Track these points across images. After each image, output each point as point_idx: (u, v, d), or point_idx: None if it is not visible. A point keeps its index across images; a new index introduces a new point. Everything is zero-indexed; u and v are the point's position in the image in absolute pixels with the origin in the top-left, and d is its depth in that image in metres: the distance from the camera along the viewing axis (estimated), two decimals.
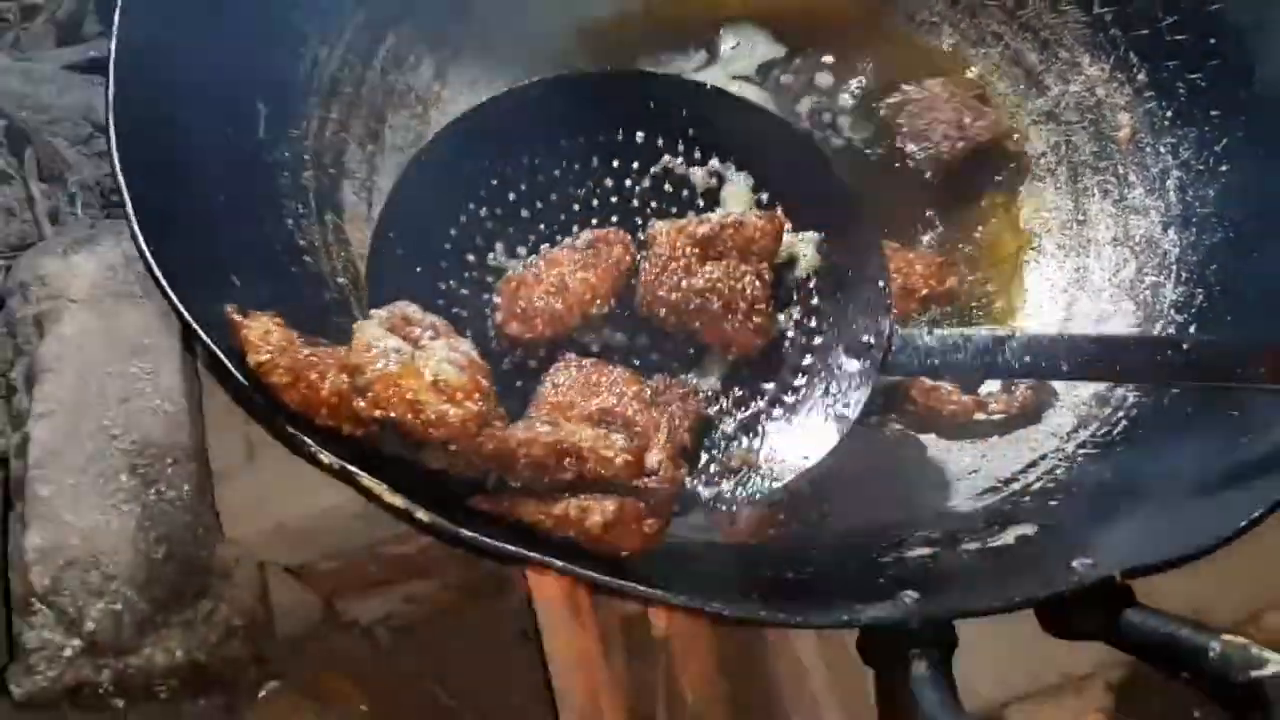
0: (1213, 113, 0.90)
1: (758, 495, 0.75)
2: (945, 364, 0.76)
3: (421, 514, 0.61)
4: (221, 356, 0.64)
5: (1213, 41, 0.90)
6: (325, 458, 0.62)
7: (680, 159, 0.84)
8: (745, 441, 0.77)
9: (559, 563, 0.61)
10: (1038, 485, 0.81)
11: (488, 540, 0.61)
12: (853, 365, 0.77)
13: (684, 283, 0.77)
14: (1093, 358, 0.73)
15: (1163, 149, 0.93)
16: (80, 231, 1.06)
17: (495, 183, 0.82)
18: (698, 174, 0.83)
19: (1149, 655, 0.63)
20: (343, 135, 0.92)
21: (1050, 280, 0.95)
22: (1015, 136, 1.00)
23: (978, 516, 0.79)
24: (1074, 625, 0.65)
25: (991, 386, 0.88)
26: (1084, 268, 0.94)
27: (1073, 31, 0.99)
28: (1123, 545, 0.70)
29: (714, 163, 0.83)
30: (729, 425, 0.78)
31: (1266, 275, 0.83)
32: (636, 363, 0.79)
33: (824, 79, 1.03)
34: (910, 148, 0.98)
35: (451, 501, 0.65)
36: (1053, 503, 0.79)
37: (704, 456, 0.77)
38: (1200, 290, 0.87)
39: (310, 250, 0.84)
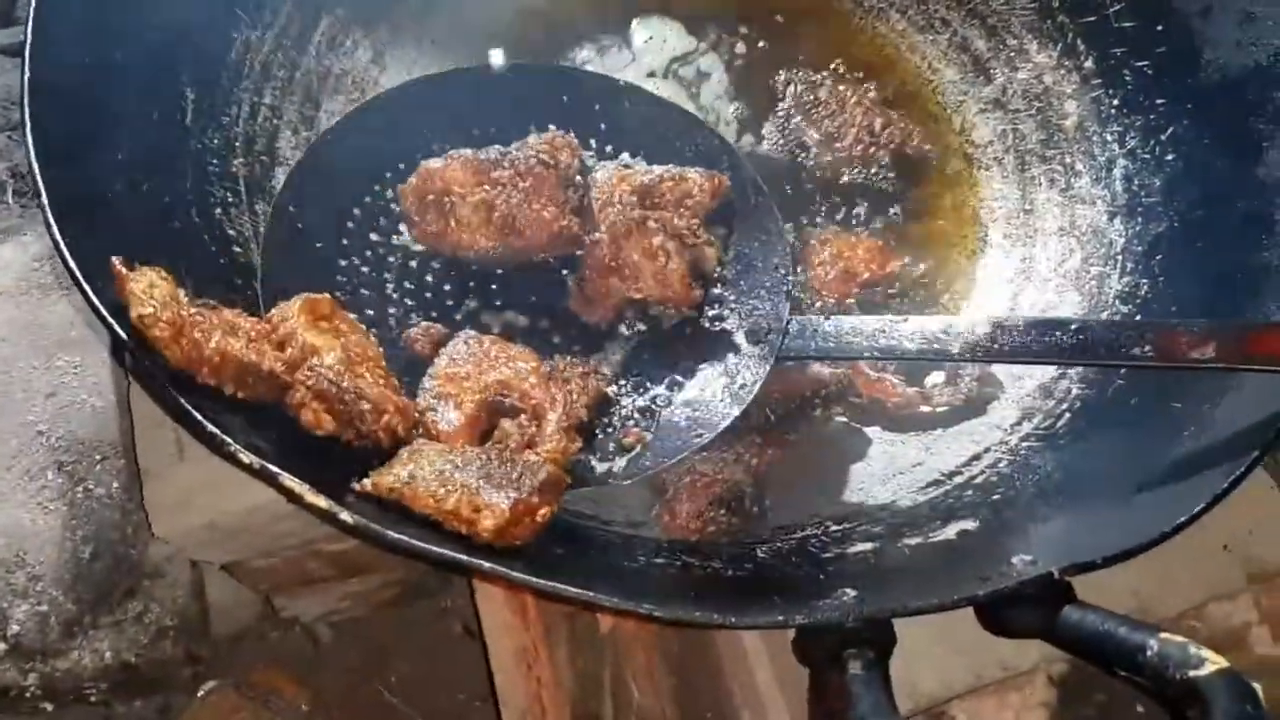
0: (1159, 101, 0.89)
1: (650, 471, 0.75)
2: (840, 347, 0.77)
3: (346, 515, 0.59)
4: (137, 350, 0.62)
5: (1159, 28, 0.89)
6: (245, 457, 0.60)
7: (591, 152, 0.85)
8: (641, 421, 0.77)
9: (486, 564, 0.59)
10: (981, 479, 0.80)
11: (416, 543, 0.59)
12: (751, 349, 0.78)
13: (622, 223, 0.78)
14: (981, 340, 0.74)
15: (1109, 137, 0.93)
16: (8, 221, 1.02)
17: (404, 166, 0.81)
18: (609, 166, 0.84)
19: (1088, 653, 0.62)
20: (275, 121, 0.89)
21: (996, 270, 0.94)
22: (923, 145, 0.99)
23: (921, 510, 0.79)
24: (1013, 623, 0.65)
25: (936, 378, 0.87)
26: (1030, 258, 0.93)
27: (1020, 18, 0.98)
28: (1063, 541, 0.69)
29: (624, 156, 0.85)
30: (626, 406, 0.78)
31: (1210, 265, 0.82)
32: (537, 345, 0.78)
33: (734, 71, 1.02)
34: (819, 150, 0.97)
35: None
36: (995, 496, 0.78)
37: (599, 435, 0.77)
38: (1145, 280, 0.86)
39: (240, 241, 0.81)
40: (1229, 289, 0.80)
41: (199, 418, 0.61)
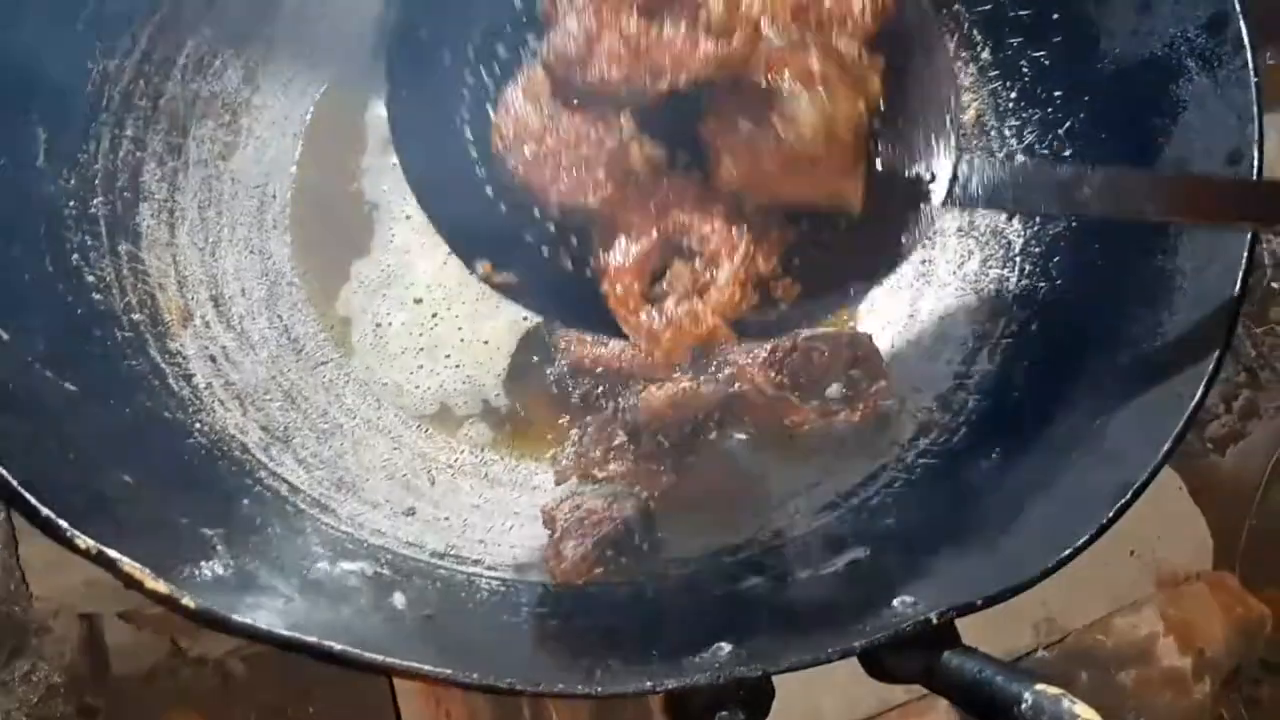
0: (1056, 93, 0.86)
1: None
2: (1019, 199, 0.70)
3: (189, 600, 0.57)
4: None
5: (1055, 17, 0.86)
6: (82, 542, 0.57)
7: None
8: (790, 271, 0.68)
9: (336, 647, 0.57)
10: (875, 500, 0.78)
11: (261, 627, 0.57)
12: (913, 193, 0.69)
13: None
14: (1179, 196, 0.66)
15: (1007, 132, 0.90)
16: None
17: None
18: None
19: (965, 702, 0.60)
20: (139, 154, 0.85)
21: (895, 274, 0.90)
22: None
23: (814, 538, 0.77)
24: (894, 669, 0.63)
25: (833, 392, 0.85)
26: (929, 260, 0.91)
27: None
28: (948, 575, 0.67)
29: None
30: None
31: (1106, 269, 0.80)
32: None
33: None
34: None
35: None
36: (888, 522, 0.76)
37: None
38: (1043, 283, 0.84)
39: (99, 287, 0.78)
40: (1124, 293, 0.77)
41: (33, 501, 0.58)
